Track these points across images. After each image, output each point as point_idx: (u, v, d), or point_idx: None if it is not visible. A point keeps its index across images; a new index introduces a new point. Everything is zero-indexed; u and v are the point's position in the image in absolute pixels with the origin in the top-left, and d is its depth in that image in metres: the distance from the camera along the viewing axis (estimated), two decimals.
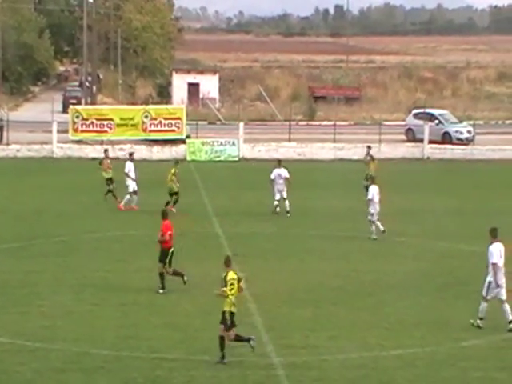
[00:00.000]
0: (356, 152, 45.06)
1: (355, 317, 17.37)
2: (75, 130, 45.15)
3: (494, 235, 16.56)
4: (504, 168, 42.20)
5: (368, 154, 32.78)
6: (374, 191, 24.79)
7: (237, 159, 44.37)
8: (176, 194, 28.92)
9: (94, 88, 61.86)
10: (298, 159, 44.78)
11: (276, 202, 28.39)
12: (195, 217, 28.57)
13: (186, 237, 25.35)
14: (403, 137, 50.36)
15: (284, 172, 28.69)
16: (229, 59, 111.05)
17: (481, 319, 16.54)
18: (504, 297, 16.44)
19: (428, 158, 45.56)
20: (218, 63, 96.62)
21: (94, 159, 44.14)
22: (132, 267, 21.48)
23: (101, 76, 78.61)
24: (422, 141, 46.67)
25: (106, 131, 45.10)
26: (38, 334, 16.03)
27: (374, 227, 24.81)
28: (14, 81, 74.94)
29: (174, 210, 27.89)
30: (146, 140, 46.02)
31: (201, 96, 68.64)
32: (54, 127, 44.47)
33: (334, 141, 46.43)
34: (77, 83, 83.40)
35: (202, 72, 72.99)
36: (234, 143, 45.03)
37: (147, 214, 28.84)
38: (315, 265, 21.81)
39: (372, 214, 24.72)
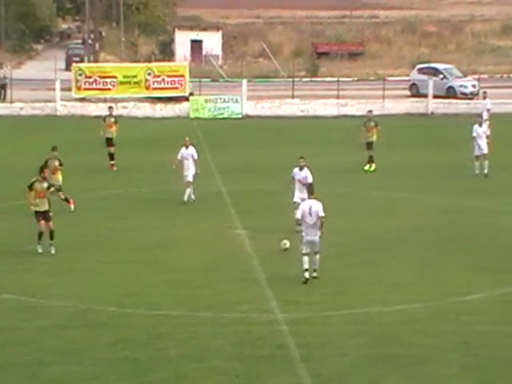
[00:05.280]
0: (359, 108, 44.84)
1: (357, 273, 17.43)
2: (78, 88, 44.98)
3: (310, 192, 16.91)
4: (508, 122, 42.00)
5: None
6: None
7: (240, 116, 44.20)
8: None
9: (97, 46, 61.43)
10: (301, 116, 44.64)
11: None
12: (198, 174, 28.54)
13: None
14: (407, 92, 50.08)
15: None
16: (231, 16, 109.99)
17: (306, 270, 16.51)
18: (318, 249, 16.59)
19: (432, 113, 45.33)
20: (220, 20, 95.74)
21: (96, 117, 44.17)
22: (134, 224, 21.55)
23: (103, 33, 78.03)
24: (426, 96, 46.41)
25: (109, 89, 44.91)
26: (42, 290, 16.16)
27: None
28: (16, 38, 74.40)
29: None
30: (149, 98, 45.84)
31: (204, 53, 68.17)
32: (57, 85, 44.30)
33: (338, 97, 46.17)
34: (79, 41, 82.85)
35: (204, 29, 72.38)
36: (237, 100, 44.81)
37: (149, 172, 28.89)
38: None
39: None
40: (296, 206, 19.61)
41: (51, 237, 18.73)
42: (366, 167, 29.02)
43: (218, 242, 19.86)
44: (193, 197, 23.97)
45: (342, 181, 27.34)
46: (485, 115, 34.69)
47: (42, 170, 19.17)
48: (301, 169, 20.69)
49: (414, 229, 21.11)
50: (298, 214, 16.67)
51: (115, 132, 29.54)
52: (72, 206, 22.87)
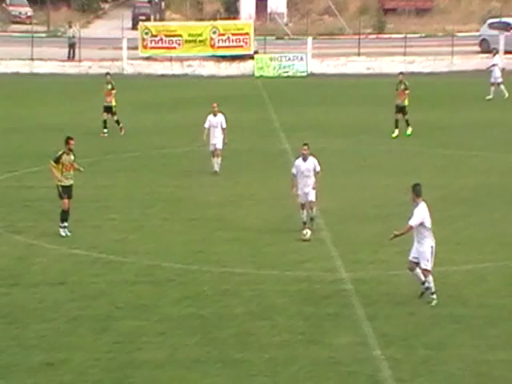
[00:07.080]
0: (427, 65, 43.96)
1: None
2: (144, 47, 45.20)
3: (417, 194, 13.41)
4: None
5: None
6: None
7: (305, 74, 43.82)
8: None
9: (163, 4, 61.45)
10: (367, 74, 44.01)
11: None
12: (263, 132, 28.49)
13: (253, 152, 25.41)
14: (477, 48, 48.88)
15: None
16: None
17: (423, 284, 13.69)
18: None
19: (504, 68, 44.10)
20: None
21: (162, 76, 44.36)
22: (200, 182, 21.65)
23: None
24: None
25: (174, 48, 45.01)
26: (110, 247, 16.41)
27: None
28: None
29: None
30: (214, 56, 45.78)
31: (269, 11, 67.59)
32: (124, 44, 44.53)
33: (405, 54, 45.35)
34: (145, 0, 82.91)
35: None
36: (302, 58, 44.40)
37: None
38: (384, 180, 21.59)
39: None
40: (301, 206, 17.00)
41: (67, 217, 16.87)
42: (394, 134, 26.94)
43: (283, 200, 19.80)
44: (216, 168, 22.18)
45: (412, 139, 26.92)
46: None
47: (67, 141, 17.03)
48: (304, 159, 17.14)
49: (482, 187, 20.71)
50: (418, 219, 13.29)
51: (113, 99, 27.94)
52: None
